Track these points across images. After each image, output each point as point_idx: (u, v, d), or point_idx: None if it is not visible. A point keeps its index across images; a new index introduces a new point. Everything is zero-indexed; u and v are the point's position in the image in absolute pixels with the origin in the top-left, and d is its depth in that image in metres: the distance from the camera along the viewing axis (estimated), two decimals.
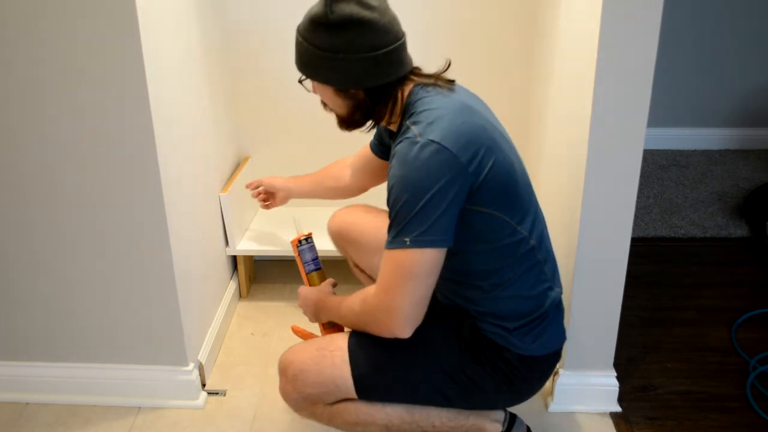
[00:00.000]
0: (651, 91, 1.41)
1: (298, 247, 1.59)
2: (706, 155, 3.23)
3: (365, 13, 1.24)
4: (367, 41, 1.25)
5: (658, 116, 2.86)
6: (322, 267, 1.62)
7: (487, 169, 1.24)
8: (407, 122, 1.28)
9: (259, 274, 2.32)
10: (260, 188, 2.03)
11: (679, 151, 3.27)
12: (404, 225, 1.21)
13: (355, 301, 1.36)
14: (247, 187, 2.07)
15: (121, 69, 1.42)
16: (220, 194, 2.02)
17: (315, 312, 1.52)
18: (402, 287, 1.24)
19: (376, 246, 1.57)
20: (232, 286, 2.16)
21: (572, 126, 1.58)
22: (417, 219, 1.20)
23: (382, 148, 1.64)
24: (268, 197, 2.03)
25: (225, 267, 2.11)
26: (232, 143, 2.20)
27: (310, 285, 1.59)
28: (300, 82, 1.38)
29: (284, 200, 2.00)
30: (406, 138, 1.24)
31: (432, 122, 1.24)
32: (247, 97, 2.21)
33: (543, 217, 1.41)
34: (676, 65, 3.12)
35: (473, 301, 1.37)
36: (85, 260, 1.62)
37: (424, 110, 1.28)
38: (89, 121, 1.48)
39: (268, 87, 2.19)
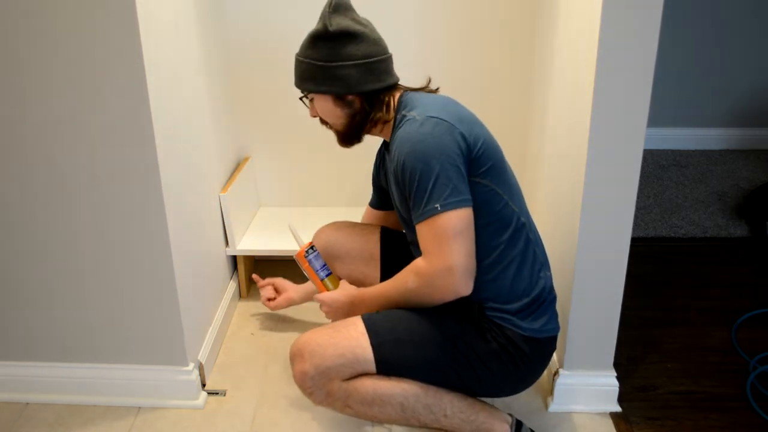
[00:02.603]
0: (651, 91, 1.41)
1: (306, 257, 1.60)
2: (706, 155, 3.24)
3: (359, 27, 1.44)
4: (361, 50, 1.44)
5: (658, 116, 2.86)
6: (332, 271, 1.63)
7: (480, 142, 1.38)
8: (403, 113, 1.43)
9: (259, 274, 2.31)
10: (269, 283, 1.99)
11: (679, 151, 3.27)
12: (429, 194, 1.32)
13: (405, 280, 1.43)
14: (254, 280, 2.04)
15: (121, 70, 1.42)
16: (220, 194, 2.02)
17: (348, 311, 1.54)
18: (450, 247, 1.33)
19: (365, 257, 1.71)
20: (232, 286, 2.16)
21: (572, 126, 1.58)
22: (439, 185, 1.32)
23: (382, 195, 1.75)
24: (275, 293, 1.99)
25: (225, 267, 2.11)
26: (232, 143, 2.20)
27: (327, 290, 1.60)
28: (301, 99, 1.56)
29: (287, 302, 1.96)
30: (407, 121, 1.39)
31: (427, 106, 1.41)
32: (247, 97, 2.21)
33: (523, 198, 1.53)
34: (676, 65, 3.12)
35: (475, 287, 1.42)
36: (85, 260, 1.62)
37: (419, 101, 1.43)
38: (90, 123, 1.48)
39: (267, 87, 2.19)
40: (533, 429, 1.59)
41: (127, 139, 1.49)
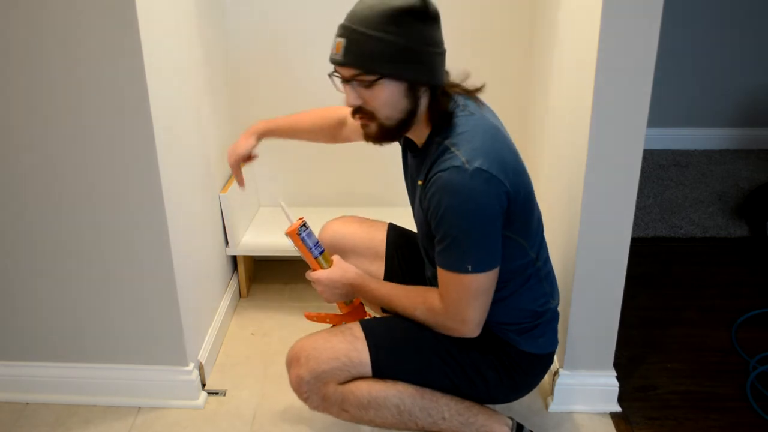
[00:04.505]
0: (651, 91, 1.41)
1: (299, 235, 1.51)
2: (706, 155, 3.24)
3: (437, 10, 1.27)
4: (441, 36, 1.28)
5: (658, 116, 2.86)
6: (324, 248, 1.56)
7: (520, 196, 1.31)
8: (446, 142, 1.29)
9: (259, 274, 2.32)
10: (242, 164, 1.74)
11: (679, 151, 3.27)
12: (465, 251, 1.28)
13: (414, 305, 1.40)
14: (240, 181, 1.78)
15: (121, 69, 1.42)
16: (220, 194, 2.02)
17: (347, 292, 1.50)
18: (471, 304, 1.32)
19: (370, 255, 1.67)
20: (232, 286, 2.16)
21: (572, 126, 1.58)
22: (476, 246, 1.27)
23: None
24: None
25: (225, 267, 2.11)
26: (232, 143, 2.19)
27: (321, 269, 1.52)
28: (343, 79, 1.28)
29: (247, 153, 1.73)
30: (453, 166, 1.25)
31: (475, 147, 1.27)
32: (247, 96, 2.21)
33: (543, 231, 1.47)
34: (676, 65, 3.12)
35: None
36: (85, 260, 1.62)
37: (462, 132, 1.30)
38: (89, 121, 1.48)
39: (267, 87, 2.19)
40: (533, 430, 1.59)
41: (127, 139, 1.49)
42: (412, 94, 1.28)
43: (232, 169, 1.73)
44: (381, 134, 1.32)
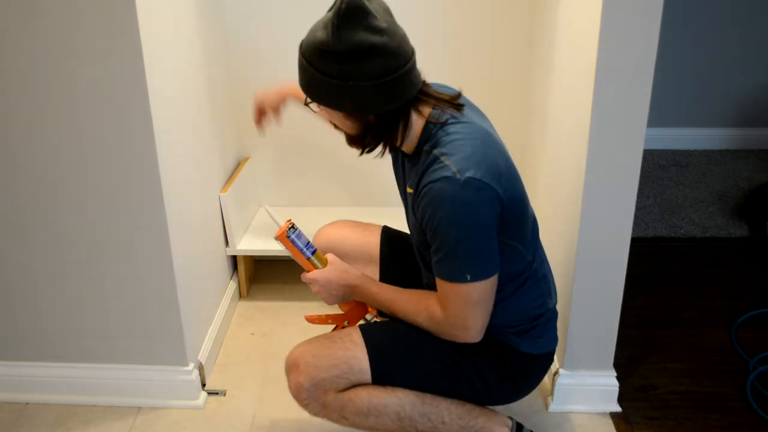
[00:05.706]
0: (651, 91, 1.41)
1: (288, 238, 1.48)
2: (706, 155, 3.24)
3: (374, 39, 1.19)
4: (377, 67, 1.21)
5: (658, 116, 2.86)
6: (316, 248, 1.53)
7: (514, 200, 1.31)
8: (435, 152, 1.28)
9: (259, 274, 2.32)
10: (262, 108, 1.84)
11: (679, 151, 3.27)
12: (462, 261, 1.27)
13: (416, 312, 1.40)
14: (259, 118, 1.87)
15: (121, 69, 1.42)
16: (220, 194, 2.02)
17: (346, 294, 1.49)
18: (473, 312, 1.32)
19: (364, 259, 1.66)
20: (232, 286, 2.16)
21: (572, 126, 1.58)
22: (474, 255, 1.27)
23: None
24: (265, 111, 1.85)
25: (225, 267, 2.11)
26: (232, 143, 2.20)
27: (315, 269, 1.51)
28: (306, 104, 1.35)
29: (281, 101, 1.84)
30: (444, 177, 1.23)
31: (465, 156, 1.25)
32: (247, 97, 2.20)
33: (538, 232, 1.46)
34: (676, 65, 3.12)
35: None
36: (85, 260, 1.62)
37: (452, 140, 1.28)
38: (89, 121, 1.48)
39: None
40: (533, 430, 1.59)
41: (127, 140, 1.49)
42: (353, 117, 1.30)
43: (255, 106, 1.83)
44: (350, 140, 1.37)
